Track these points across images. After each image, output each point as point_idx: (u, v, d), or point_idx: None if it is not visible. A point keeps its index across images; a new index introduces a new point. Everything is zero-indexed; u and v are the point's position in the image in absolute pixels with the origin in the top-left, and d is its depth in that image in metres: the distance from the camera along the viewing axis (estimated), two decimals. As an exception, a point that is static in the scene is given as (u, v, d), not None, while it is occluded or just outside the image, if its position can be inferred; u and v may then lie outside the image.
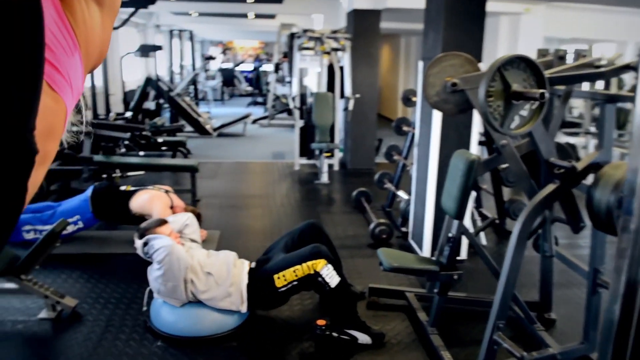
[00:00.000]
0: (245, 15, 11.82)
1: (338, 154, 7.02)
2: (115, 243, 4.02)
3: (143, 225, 2.93)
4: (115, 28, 7.76)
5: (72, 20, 0.92)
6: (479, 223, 4.36)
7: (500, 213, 4.53)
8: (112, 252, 3.85)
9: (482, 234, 4.19)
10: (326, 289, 2.65)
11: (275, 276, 2.68)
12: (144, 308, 2.90)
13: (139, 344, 2.69)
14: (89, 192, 3.90)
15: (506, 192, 4.71)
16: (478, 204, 4.56)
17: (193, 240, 3.11)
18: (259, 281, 2.77)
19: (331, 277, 2.65)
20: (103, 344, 2.67)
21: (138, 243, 2.80)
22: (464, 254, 3.85)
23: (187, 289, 2.72)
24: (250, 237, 4.39)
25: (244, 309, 2.78)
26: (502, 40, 7.65)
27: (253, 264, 2.94)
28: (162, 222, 2.97)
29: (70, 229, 3.79)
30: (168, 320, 2.77)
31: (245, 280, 2.81)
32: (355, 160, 7.11)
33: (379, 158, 7.04)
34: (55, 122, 0.87)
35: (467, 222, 3.50)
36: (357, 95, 6.49)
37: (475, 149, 3.74)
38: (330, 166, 6.78)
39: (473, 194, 4.17)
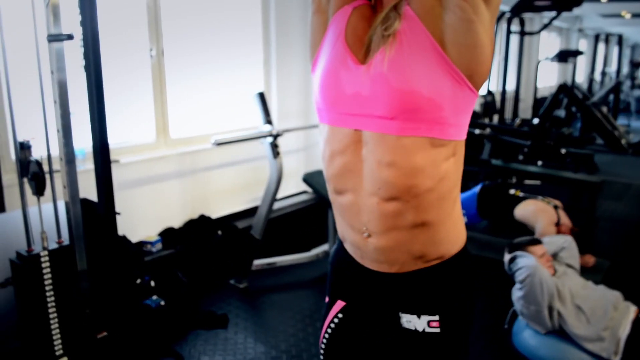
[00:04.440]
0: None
1: None
2: (496, 249, 3.97)
3: (516, 240, 2.81)
4: (534, 33, 7.69)
5: (454, 53, 0.95)
6: None
7: None
8: (491, 257, 3.81)
9: None
10: None
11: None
12: (505, 326, 2.78)
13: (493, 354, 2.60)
14: (477, 188, 3.98)
15: None
16: None
17: (569, 266, 2.79)
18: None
19: None
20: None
21: (506, 257, 2.70)
22: None
23: (553, 317, 2.46)
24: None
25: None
26: None
27: None
28: (536, 241, 2.79)
29: (457, 222, 3.95)
30: (529, 343, 2.58)
31: (627, 330, 2.36)
32: None
33: None
34: (447, 168, 1.03)
35: None
36: None
37: None
38: None
39: None
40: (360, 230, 1.10)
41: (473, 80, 0.98)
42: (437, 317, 1.11)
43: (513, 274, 2.62)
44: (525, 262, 2.55)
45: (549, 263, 2.69)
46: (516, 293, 2.60)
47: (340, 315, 1.25)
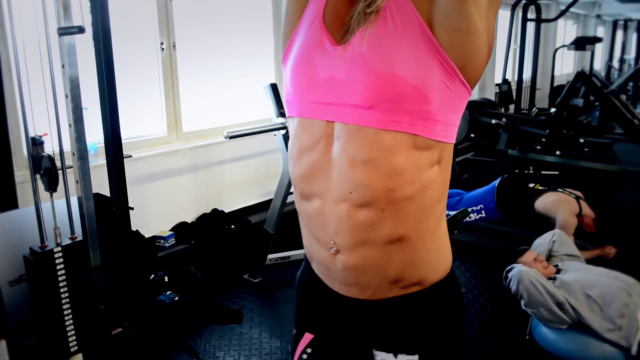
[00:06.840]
0: None
1: None
2: (514, 241, 3.90)
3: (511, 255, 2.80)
4: (551, 20, 7.53)
5: (444, 37, 0.82)
6: None
7: None
8: (508, 250, 3.75)
9: None
10: None
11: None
12: (526, 337, 2.66)
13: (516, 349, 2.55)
14: (496, 182, 3.92)
15: None
16: None
17: (569, 256, 2.75)
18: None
19: None
20: (477, 338, 2.64)
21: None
22: None
23: (567, 311, 2.40)
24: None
25: (634, 350, 2.25)
26: None
27: None
28: (522, 251, 2.80)
29: (472, 217, 3.89)
30: (548, 337, 2.51)
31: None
32: None
33: None
34: (432, 177, 0.89)
35: None
36: None
37: None
38: None
39: None
40: (328, 245, 0.95)
41: (465, 71, 0.85)
42: (415, 358, 0.95)
43: (510, 290, 2.62)
44: (512, 273, 2.58)
45: (544, 264, 2.69)
46: (522, 304, 2.58)
47: (308, 351, 1.10)
